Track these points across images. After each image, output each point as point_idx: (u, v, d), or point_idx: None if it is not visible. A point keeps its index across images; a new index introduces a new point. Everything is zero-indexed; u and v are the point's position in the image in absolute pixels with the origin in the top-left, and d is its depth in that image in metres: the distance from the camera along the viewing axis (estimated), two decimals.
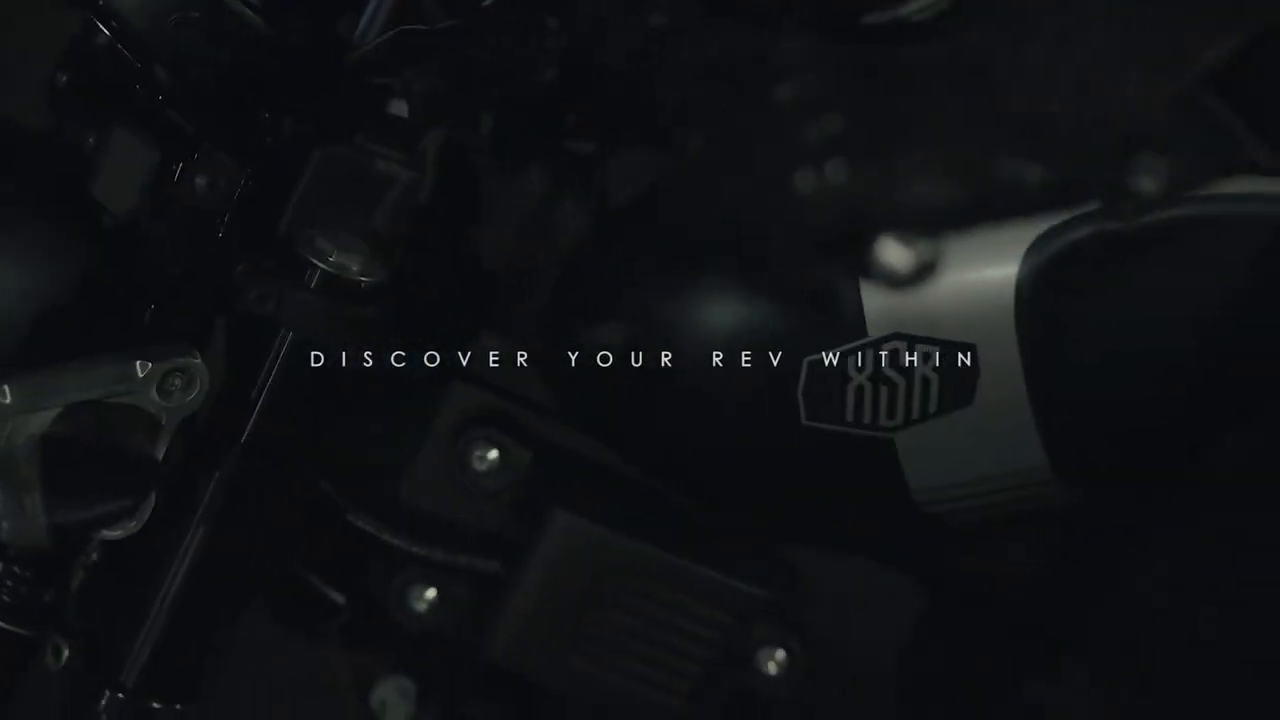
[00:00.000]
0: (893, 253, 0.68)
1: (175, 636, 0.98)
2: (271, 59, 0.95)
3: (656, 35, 0.74)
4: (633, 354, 1.00)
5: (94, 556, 1.02)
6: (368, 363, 0.98)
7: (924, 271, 0.69)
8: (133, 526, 0.92)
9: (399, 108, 0.96)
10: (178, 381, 0.92)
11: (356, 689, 1.12)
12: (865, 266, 0.69)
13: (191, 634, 0.98)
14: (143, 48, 0.93)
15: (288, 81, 0.95)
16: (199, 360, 0.92)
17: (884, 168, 0.68)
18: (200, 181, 0.94)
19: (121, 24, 0.92)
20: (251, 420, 0.96)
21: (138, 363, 0.91)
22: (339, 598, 1.09)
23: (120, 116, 0.94)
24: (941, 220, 0.69)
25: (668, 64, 0.73)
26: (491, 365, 1.06)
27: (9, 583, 1.00)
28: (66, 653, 1.00)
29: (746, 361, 0.98)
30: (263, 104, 0.96)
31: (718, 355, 0.98)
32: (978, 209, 0.69)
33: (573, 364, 1.04)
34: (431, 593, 1.07)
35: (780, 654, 1.07)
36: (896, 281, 0.69)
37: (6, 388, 0.88)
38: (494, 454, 1.06)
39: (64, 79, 0.97)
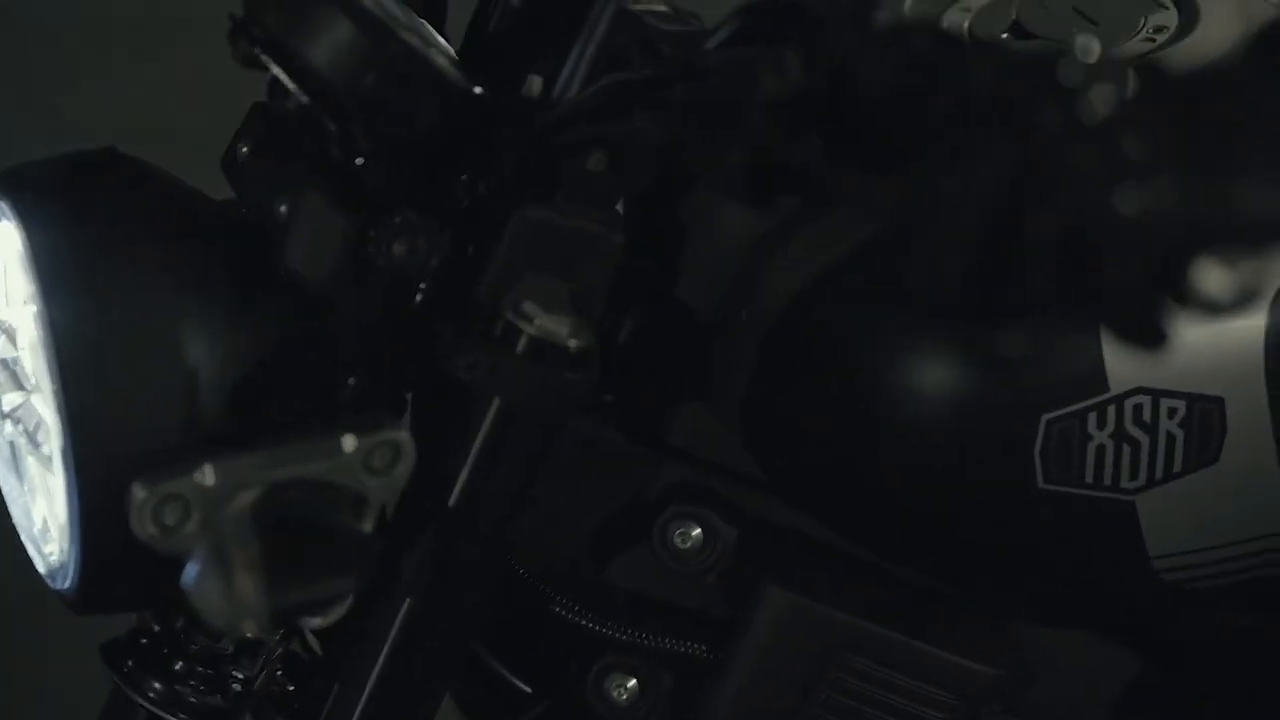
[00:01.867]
0: (1215, 280, 0.63)
1: None
2: (470, 117, 0.90)
3: (915, 64, 0.69)
4: (849, 416, 0.94)
5: (280, 650, 0.97)
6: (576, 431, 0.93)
7: (1247, 298, 0.64)
8: (338, 612, 0.87)
9: (597, 163, 0.91)
10: (384, 455, 0.87)
11: None
12: (1183, 296, 0.63)
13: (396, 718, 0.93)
14: (338, 108, 0.88)
15: (486, 140, 0.91)
16: (406, 433, 0.87)
17: (1211, 182, 0.62)
18: (398, 247, 0.89)
19: (317, 83, 0.88)
20: (456, 494, 0.91)
21: (343, 437, 0.85)
22: (528, 689, 1.04)
23: (314, 181, 0.89)
24: (1267, 236, 0.63)
25: (929, 96, 0.68)
26: (694, 435, 1.00)
27: (192, 682, 0.95)
28: None
29: (977, 423, 0.92)
30: (460, 164, 0.91)
31: (944, 417, 0.93)
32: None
33: (781, 431, 0.98)
34: (633, 680, 1.01)
35: None
36: (1217, 310, 0.63)
37: (209, 467, 0.83)
38: (698, 531, 1.00)
39: (246, 148, 0.93)
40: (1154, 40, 0.93)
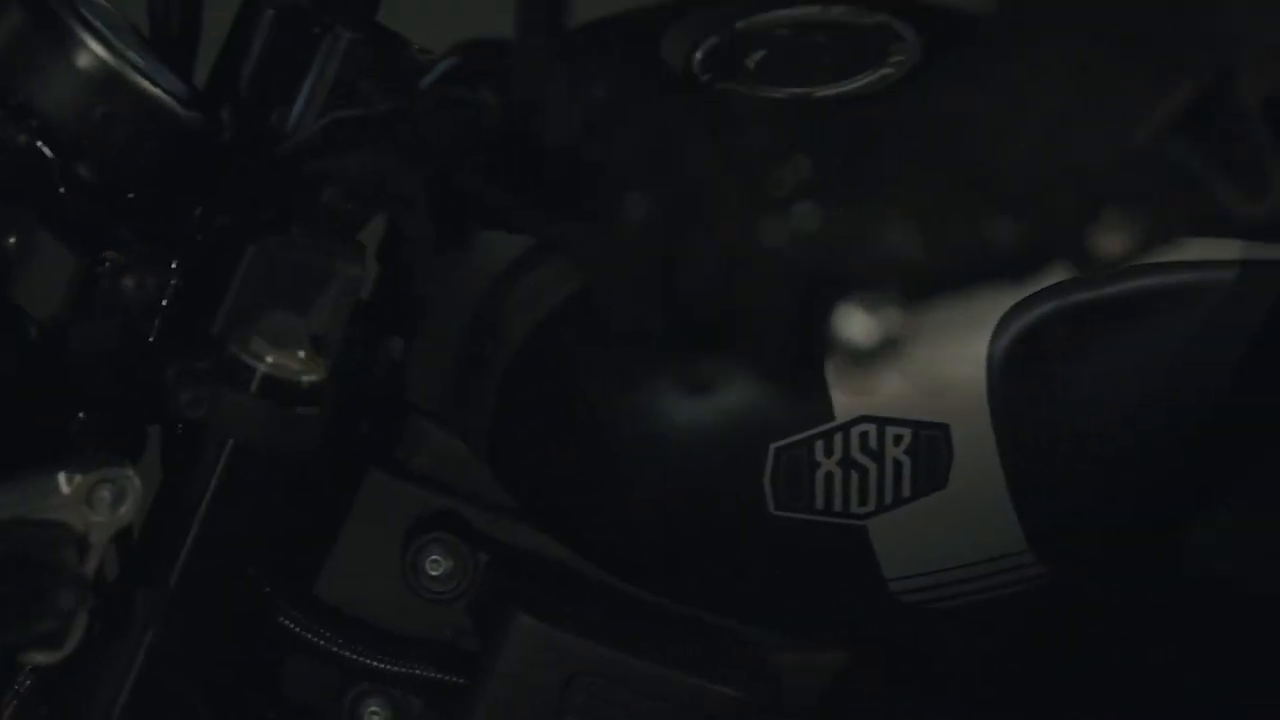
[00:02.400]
0: (856, 324, 0.64)
1: None
2: (201, 152, 0.91)
3: (599, 109, 0.70)
4: (588, 447, 0.96)
5: (26, 683, 0.97)
6: (312, 467, 0.93)
7: (892, 347, 0.65)
8: (65, 649, 0.87)
9: (335, 199, 0.91)
10: (107, 494, 0.87)
11: None
12: (829, 341, 0.64)
13: None
14: (65, 144, 0.88)
15: (219, 175, 0.91)
16: (130, 471, 0.87)
17: (853, 219, 0.64)
18: (128, 282, 0.89)
19: (42, 120, 0.88)
20: (192, 534, 0.91)
21: (61, 475, 0.86)
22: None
23: (41, 217, 0.89)
24: (910, 286, 0.65)
25: (611, 138, 0.69)
26: (446, 465, 1.01)
27: None
28: None
29: (708, 450, 0.94)
30: (193, 199, 0.92)
31: (677, 445, 0.94)
32: (942, 277, 0.65)
33: (526, 461, 0.99)
34: (387, 709, 1.02)
35: None
36: (861, 357, 0.64)
37: None
38: (449, 560, 1.01)
39: None
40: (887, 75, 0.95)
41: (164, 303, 0.90)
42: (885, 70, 0.95)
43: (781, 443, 0.93)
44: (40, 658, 0.87)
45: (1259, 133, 0.66)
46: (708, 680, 1.00)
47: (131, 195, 0.90)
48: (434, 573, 1.01)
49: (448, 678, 1.01)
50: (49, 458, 0.87)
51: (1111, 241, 0.66)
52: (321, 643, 1.01)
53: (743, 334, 0.66)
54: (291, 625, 1.00)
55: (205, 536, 0.92)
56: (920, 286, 0.66)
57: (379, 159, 0.85)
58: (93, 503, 0.86)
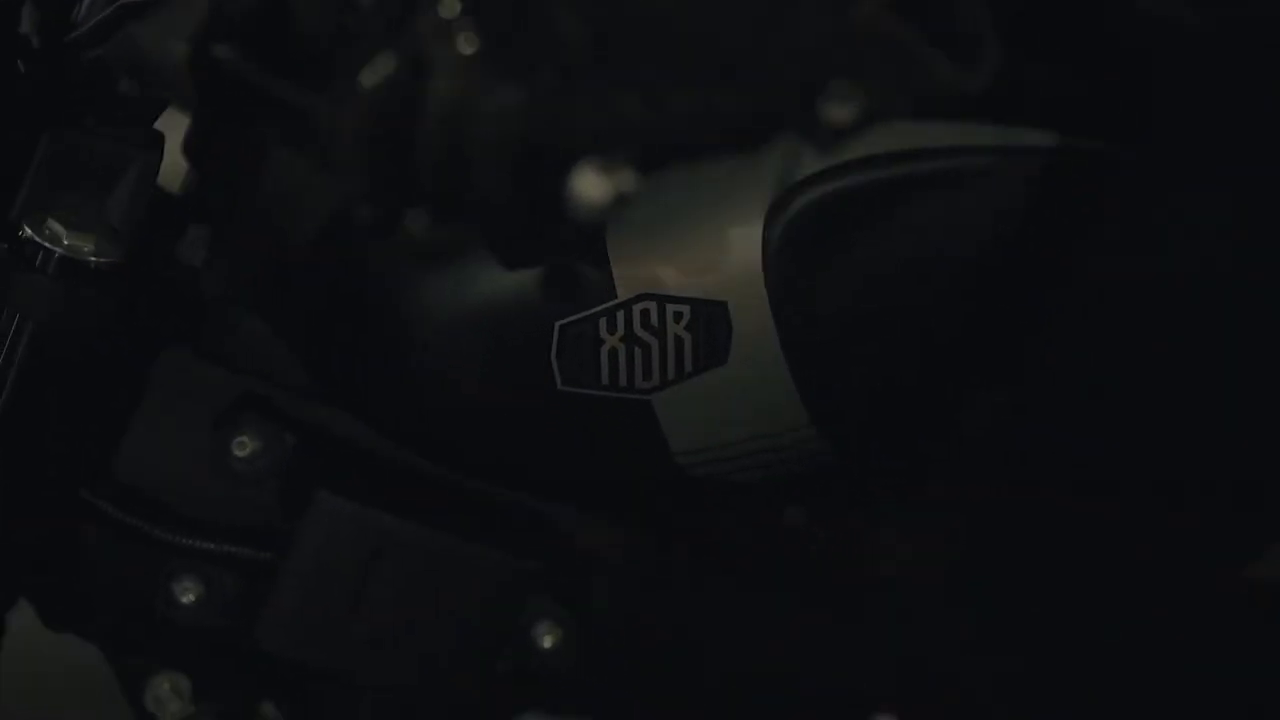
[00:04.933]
0: (588, 185, 0.68)
1: None
2: None
3: None
4: (380, 328, 0.99)
5: None
6: (112, 348, 0.96)
7: (624, 203, 0.69)
8: None
9: (129, 86, 0.94)
10: None
11: (129, 689, 1.10)
12: (563, 198, 0.68)
13: None
14: None
15: (9, 65, 0.93)
16: None
17: (585, 88, 0.67)
18: None
19: None
20: None
21: None
22: (100, 596, 1.07)
23: None
24: (643, 151, 0.68)
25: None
26: (253, 348, 1.04)
27: None
28: None
29: (496, 329, 0.97)
30: None
31: (467, 324, 0.98)
32: (668, 145, 0.69)
33: (325, 343, 1.02)
34: (198, 585, 1.05)
35: (554, 627, 1.07)
36: (596, 215, 0.68)
37: None
38: (257, 440, 1.04)
39: None
40: None
41: None
42: None
43: (566, 320, 0.97)
44: None
45: (973, 6, 0.70)
46: (505, 551, 1.04)
47: None
48: (241, 454, 1.04)
49: (259, 554, 1.04)
50: None
51: (837, 112, 0.70)
52: (131, 522, 1.04)
53: (471, 204, 0.69)
54: (101, 505, 1.03)
55: (9, 418, 0.95)
56: (652, 153, 0.69)
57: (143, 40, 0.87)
58: None
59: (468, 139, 0.67)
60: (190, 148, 1.04)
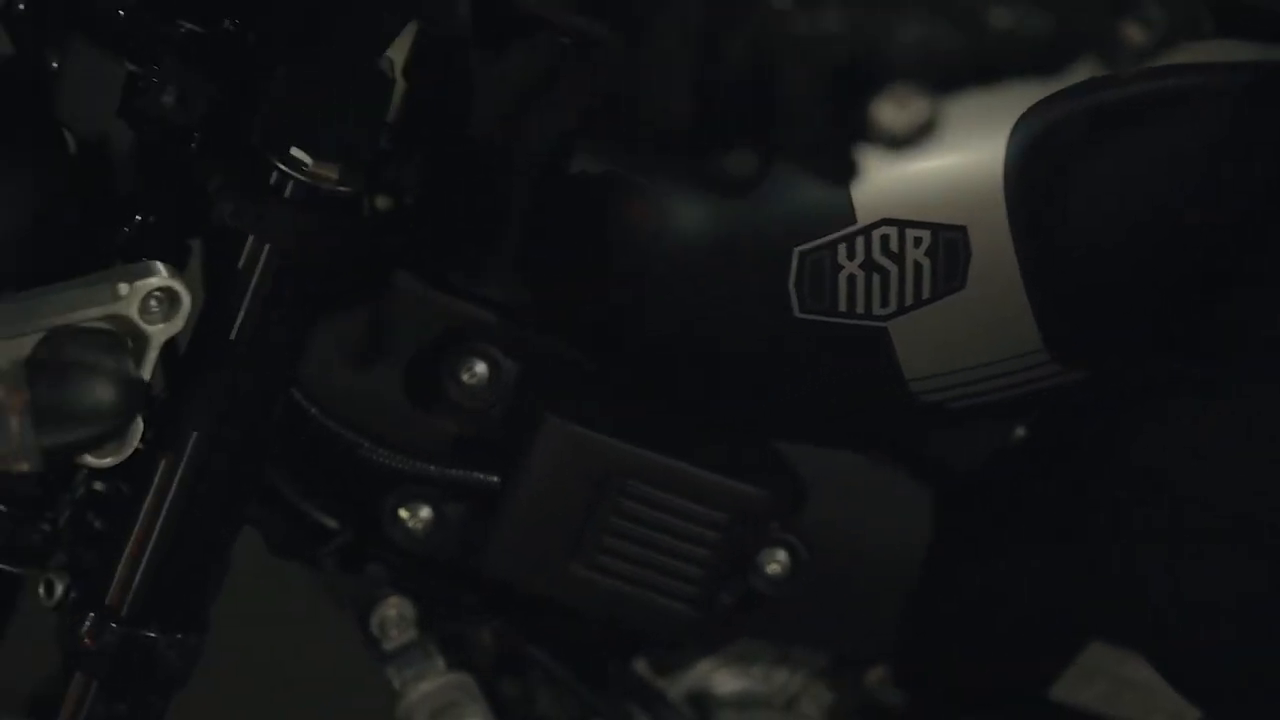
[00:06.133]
0: (889, 113, 0.67)
1: (169, 561, 0.96)
2: None
3: None
4: (615, 255, 0.98)
5: (82, 491, 1.01)
6: (351, 274, 0.96)
7: (923, 132, 0.68)
8: (121, 452, 0.91)
9: (364, 14, 0.93)
10: (159, 302, 0.90)
11: (356, 613, 1.11)
12: (860, 130, 0.67)
13: (186, 559, 0.97)
14: None
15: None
16: (180, 280, 0.91)
17: (885, 11, 0.66)
18: (168, 97, 0.92)
19: None
20: (233, 337, 0.94)
21: (119, 284, 0.89)
22: (332, 522, 1.08)
23: (82, 34, 0.92)
24: (939, 77, 0.67)
25: None
26: (475, 274, 1.04)
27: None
28: (60, 588, 0.99)
29: (734, 256, 0.96)
30: (228, 14, 0.94)
31: (703, 251, 0.97)
32: (975, 66, 0.68)
33: (555, 271, 1.02)
34: (426, 510, 1.06)
35: (781, 554, 1.06)
36: (895, 143, 0.67)
37: None
38: (482, 367, 1.04)
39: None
40: None
41: (203, 117, 0.93)
42: None
43: (805, 246, 0.96)
44: (99, 461, 0.90)
45: None
46: (734, 478, 1.04)
47: (169, 11, 0.92)
48: (469, 380, 1.04)
49: (485, 481, 1.05)
50: (100, 267, 0.90)
51: (1137, 33, 0.68)
52: (361, 448, 1.04)
53: (777, 126, 0.69)
54: (332, 429, 1.04)
55: (246, 343, 0.95)
56: (951, 77, 0.68)
57: None
58: (146, 311, 0.89)
59: (788, 56, 0.66)
60: (411, 72, 1.04)
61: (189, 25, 0.92)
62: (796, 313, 0.97)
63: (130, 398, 0.87)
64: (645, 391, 1.04)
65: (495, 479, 1.04)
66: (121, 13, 0.91)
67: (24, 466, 0.84)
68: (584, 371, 1.05)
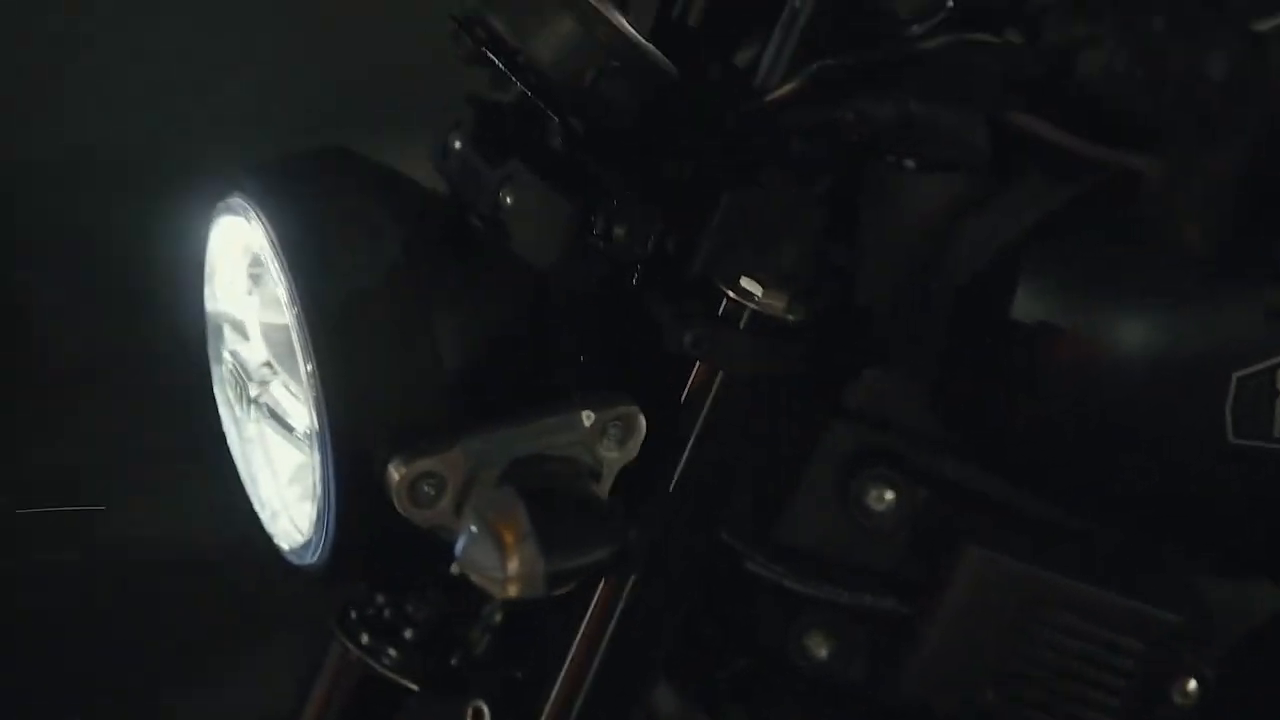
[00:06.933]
0: None
1: (603, 692, 0.97)
2: (682, 103, 0.94)
3: (1150, 43, 0.73)
4: (1044, 379, 0.98)
5: (497, 618, 1.01)
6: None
7: None
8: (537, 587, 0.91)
9: (806, 148, 0.94)
10: (617, 431, 0.91)
11: None
12: None
13: (619, 690, 0.97)
14: (559, 100, 0.92)
15: (696, 124, 0.94)
16: (636, 407, 0.91)
17: None
18: (618, 230, 0.93)
19: (539, 78, 0.92)
20: (680, 467, 0.95)
21: (584, 413, 0.90)
22: (729, 647, 1.08)
23: (535, 171, 0.93)
24: None
25: (1164, 75, 0.72)
26: (879, 401, 1.04)
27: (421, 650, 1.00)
28: (488, 713, 0.99)
29: (1171, 379, 0.96)
30: (672, 148, 0.95)
31: (1141, 374, 0.97)
32: None
33: (973, 394, 1.02)
34: (832, 637, 1.05)
35: (1191, 684, 1.05)
36: None
37: (461, 445, 0.88)
38: (890, 494, 1.04)
39: (459, 141, 0.97)
40: None
41: (649, 250, 0.94)
42: None
43: (1245, 371, 0.95)
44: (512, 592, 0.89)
45: None
46: (1150, 604, 1.03)
47: (619, 147, 0.94)
48: (877, 507, 1.04)
49: (891, 607, 1.04)
50: (560, 399, 0.91)
51: None
52: (772, 577, 1.04)
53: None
54: (750, 564, 1.04)
55: (691, 474, 0.95)
56: None
57: (885, 106, 0.88)
58: (605, 439, 0.90)
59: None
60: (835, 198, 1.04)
61: (637, 160, 0.94)
62: (1231, 438, 0.96)
63: (621, 527, 0.88)
64: (1048, 515, 1.03)
65: (898, 605, 1.04)
66: (575, 150, 0.92)
67: (527, 591, 0.85)
68: (990, 497, 1.04)
